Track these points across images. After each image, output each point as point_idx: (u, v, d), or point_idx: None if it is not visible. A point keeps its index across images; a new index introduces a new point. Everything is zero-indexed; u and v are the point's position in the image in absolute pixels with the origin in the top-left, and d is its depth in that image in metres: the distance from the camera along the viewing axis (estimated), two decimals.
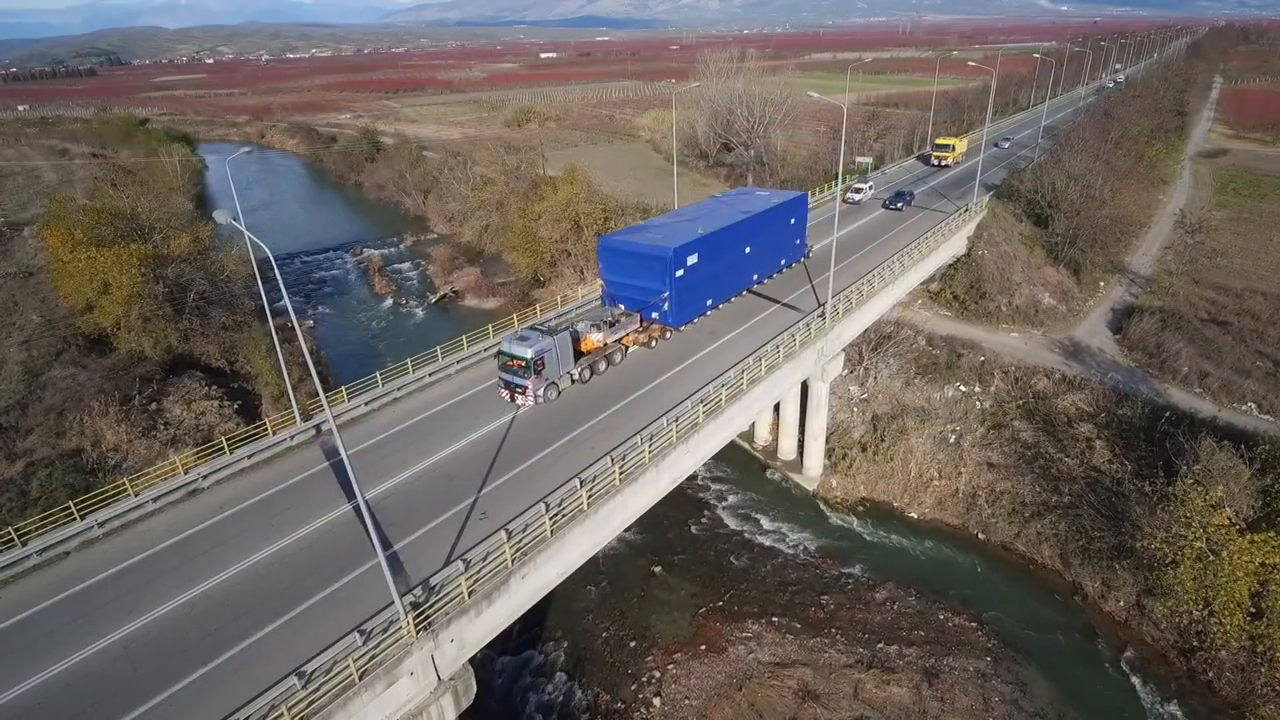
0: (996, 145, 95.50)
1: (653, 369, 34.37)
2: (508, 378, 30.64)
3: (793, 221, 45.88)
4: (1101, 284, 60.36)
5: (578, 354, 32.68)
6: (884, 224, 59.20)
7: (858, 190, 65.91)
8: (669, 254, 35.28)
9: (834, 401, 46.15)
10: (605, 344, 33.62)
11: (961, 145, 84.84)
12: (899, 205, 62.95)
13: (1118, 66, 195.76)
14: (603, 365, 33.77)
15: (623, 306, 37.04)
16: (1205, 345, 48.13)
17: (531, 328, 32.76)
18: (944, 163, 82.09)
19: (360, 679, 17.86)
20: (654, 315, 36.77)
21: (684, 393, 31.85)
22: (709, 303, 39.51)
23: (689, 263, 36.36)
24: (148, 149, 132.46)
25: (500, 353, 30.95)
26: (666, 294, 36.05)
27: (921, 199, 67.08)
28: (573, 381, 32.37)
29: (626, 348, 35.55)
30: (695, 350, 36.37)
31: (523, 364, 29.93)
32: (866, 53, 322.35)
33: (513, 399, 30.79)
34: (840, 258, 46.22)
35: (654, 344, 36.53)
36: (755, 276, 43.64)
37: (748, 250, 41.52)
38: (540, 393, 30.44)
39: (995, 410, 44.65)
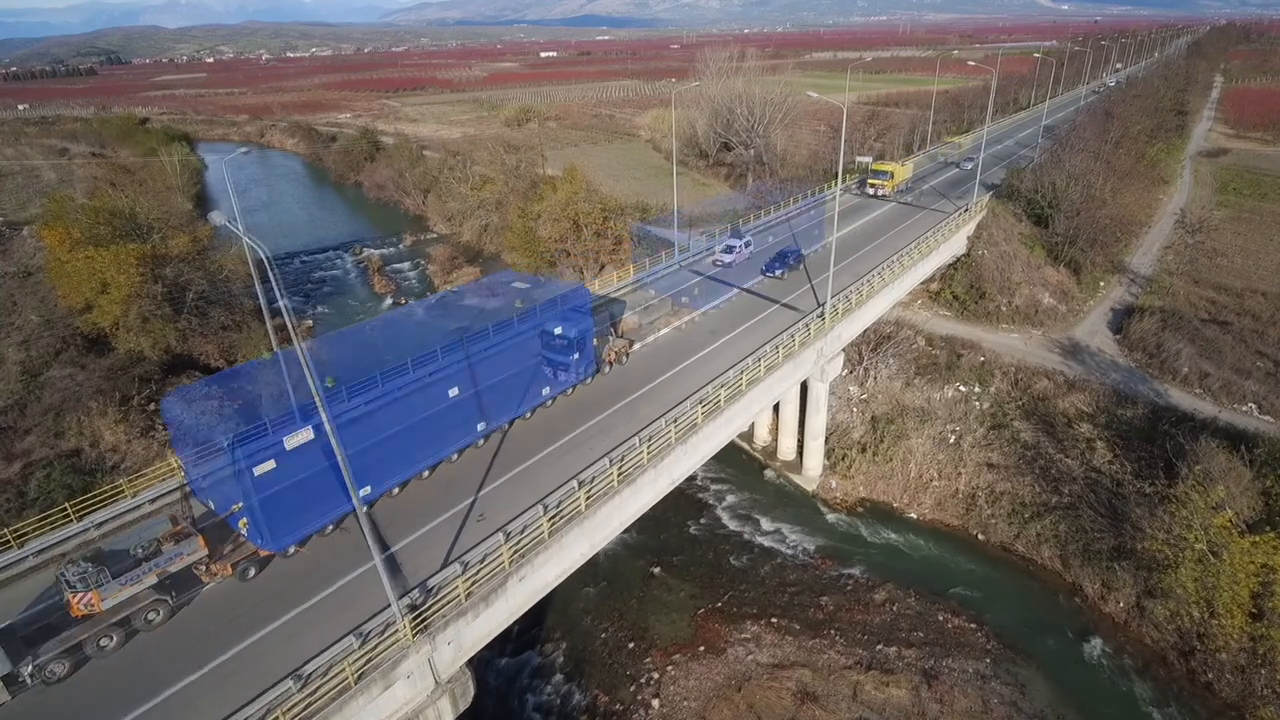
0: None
1: (651, 369, 34.28)
2: None
3: (559, 331, 30.57)
4: (1101, 284, 60.32)
5: (44, 631, 18.77)
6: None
7: (730, 249, 50.18)
8: (233, 444, 20.59)
9: (833, 402, 46.09)
10: (100, 611, 19.01)
11: (903, 171, 73.42)
12: (779, 271, 47.63)
13: (1118, 66, 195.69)
14: (109, 640, 19.02)
15: (212, 504, 23.64)
16: (1205, 345, 48.07)
17: None
18: (880, 192, 70.06)
19: (356, 682, 17.81)
20: (239, 527, 22.26)
21: (683, 393, 31.83)
22: (365, 492, 23.81)
23: (290, 446, 21.52)
24: (147, 148, 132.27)
25: None
26: (242, 504, 21.56)
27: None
28: (12, 689, 17.84)
29: (198, 584, 21.29)
30: (694, 350, 36.29)
31: None
32: (867, 52, 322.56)
33: None
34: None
35: (251, 573, 21.77)
36: (482, 426, 28.21)
37: (453, 393, 26.53)
38: None
39: (995, 411, 44.60)
